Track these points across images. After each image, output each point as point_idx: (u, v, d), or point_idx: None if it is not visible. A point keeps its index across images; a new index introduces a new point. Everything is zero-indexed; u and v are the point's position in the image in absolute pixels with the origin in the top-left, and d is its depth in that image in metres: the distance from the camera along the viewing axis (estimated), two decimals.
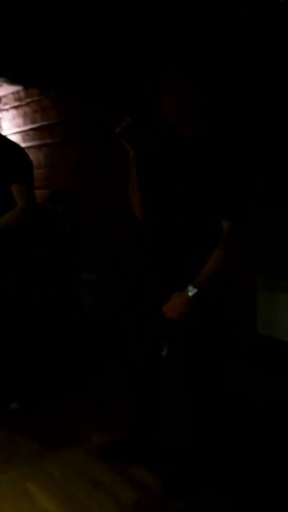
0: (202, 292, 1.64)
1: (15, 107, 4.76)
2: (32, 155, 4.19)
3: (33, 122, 4.54)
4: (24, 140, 4.65)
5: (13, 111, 4.81)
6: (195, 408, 1.89)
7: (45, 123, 4.38)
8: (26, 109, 4.61)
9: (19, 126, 4.76)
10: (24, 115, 4.66)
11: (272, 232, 2.81)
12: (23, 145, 4.48)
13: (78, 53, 3.22)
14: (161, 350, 1.74)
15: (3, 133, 4.85)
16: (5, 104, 4.87)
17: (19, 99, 4.66)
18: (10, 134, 4.84)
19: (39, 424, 2.47)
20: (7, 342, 2.59)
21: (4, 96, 4.83)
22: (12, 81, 3.68)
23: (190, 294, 1.64)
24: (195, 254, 1.68)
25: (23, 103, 4.61)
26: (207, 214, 1.65)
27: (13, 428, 2.41)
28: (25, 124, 4.66)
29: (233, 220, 1.63)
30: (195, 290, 1.64)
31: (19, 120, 4.74)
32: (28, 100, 4.52)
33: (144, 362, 1.95)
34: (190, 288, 1.65)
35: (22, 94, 4.59)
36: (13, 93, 4.70)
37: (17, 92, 4.64)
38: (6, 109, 4.89)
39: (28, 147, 4.44)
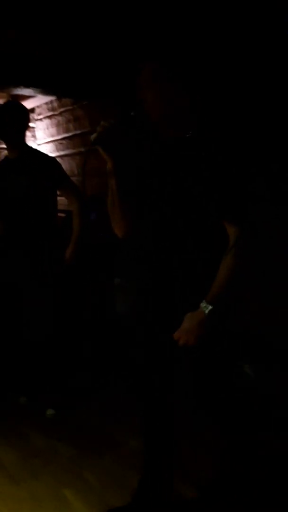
0: (218, 307, 1.44)
1: (49, 117, 4.84)
2: (65, 163, 4.28)
3: (66, 131, 4.61)
4: (58, 149, 4.73)
5: (46, 121, 4.90)
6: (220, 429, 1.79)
7: (78, 132, 4.43)
8: (60, 118, 4.68)
9: (52, 136, 4.84)
10: (58, 125, 4.73)
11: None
12: (56, 153, 4.56)
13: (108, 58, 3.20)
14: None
15: (37, 143, 5.00)
16: (39, 114, 4.98)
17: (53, 109, 4.74)
18: (44, 143, 4.93)
19: (77, 428, 2.49)
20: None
21: (38, 107, 4.94)
22: (46, 92, 3.75)
23: (206, 311, 1.44)
24: (199, 265, 1.50)
25: (57, 112, 4.69)
26: (207, 220, 1.47)
27: (52, 433, 2.43)
28: (58, 133, 4.74)
29: (240, 224, 1.45)
30: (210, 307, 1.44)
31: (53, 130, 4.82)
32: (61, 109, 4.60)
33: (157, 390, 1.69)
34: (204, 305, 1.45)
35: (55, 104, 4.67)
36: (46, 103, 4.80)
37: (51, 102, 4.73)
38: (40, 119, 4.99)
39: (61, 156, 4.51)
